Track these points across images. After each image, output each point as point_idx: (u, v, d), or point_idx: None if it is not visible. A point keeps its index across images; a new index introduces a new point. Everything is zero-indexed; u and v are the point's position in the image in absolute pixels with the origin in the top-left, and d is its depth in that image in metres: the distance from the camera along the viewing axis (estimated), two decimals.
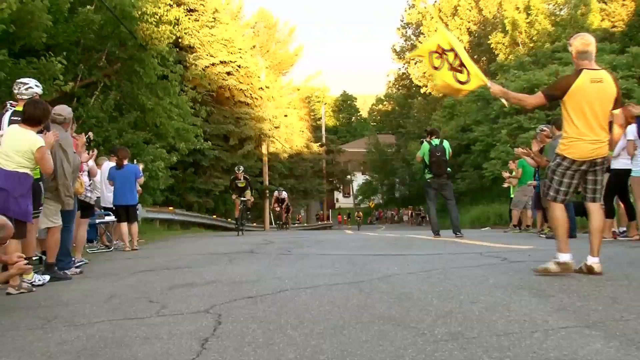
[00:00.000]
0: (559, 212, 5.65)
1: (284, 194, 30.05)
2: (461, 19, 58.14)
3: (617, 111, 5.57)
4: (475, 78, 6.16)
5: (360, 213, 55.39)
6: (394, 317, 4.10)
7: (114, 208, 12.16)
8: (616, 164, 9.64)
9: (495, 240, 11.14)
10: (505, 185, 17.09)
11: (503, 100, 6.05)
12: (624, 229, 10.17)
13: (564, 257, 5.50)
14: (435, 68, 6.45)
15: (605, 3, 46.23)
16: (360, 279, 5.82)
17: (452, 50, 6.29)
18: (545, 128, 12.59)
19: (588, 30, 39.22)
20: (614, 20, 44.42)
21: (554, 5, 46.67)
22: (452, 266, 6.57)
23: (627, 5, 43.63)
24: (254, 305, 4.77)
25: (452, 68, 6.28)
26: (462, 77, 6.24)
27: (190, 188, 32.30)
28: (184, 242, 14.54)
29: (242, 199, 18.99)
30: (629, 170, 9.31)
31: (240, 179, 19.26)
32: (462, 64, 6.21)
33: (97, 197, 12.26)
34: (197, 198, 32.51)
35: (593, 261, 5.49)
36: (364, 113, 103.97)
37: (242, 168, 20.04)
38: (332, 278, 6.01)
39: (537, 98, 5.58)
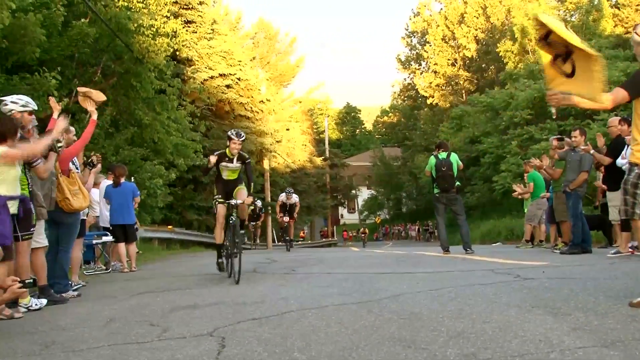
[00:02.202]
0: None
1: (295, 198, 20.73)
2: (468, 26, 58.22)
3: None
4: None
5: (366, 229, 55.16)
6: (405, 338, 3.99)
7: (110, 228, 11.96)
8: None
9: (507, 256, 10.97)
10: (518, 196, 16.81)
11: (553, 110, 5.26)
12: (637, 243, 9.99)
13: None
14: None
15: (618, 8, 46.30)
16: (369, 299, 5.70)
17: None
18: (554, 140, 12.47)
19: (600, 37, 39.26)
20: (627, 26, 44.45)
21: (564, 11, 46.69)
22: (462, 284, 6.41)
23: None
24: (258, 327, 4.66)
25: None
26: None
27: (189, 205, 32.10)
28: (184, 262, 14.40)
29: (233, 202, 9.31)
30: None
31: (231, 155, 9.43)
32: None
33: (96, 217, 12.14)
34: (197, 216, 32.31)
35: None
36: (369, 125, 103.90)
37: (242, 135, 9.39)
38: (339, 298, 5.88)
39: (619, 95, 4.71)
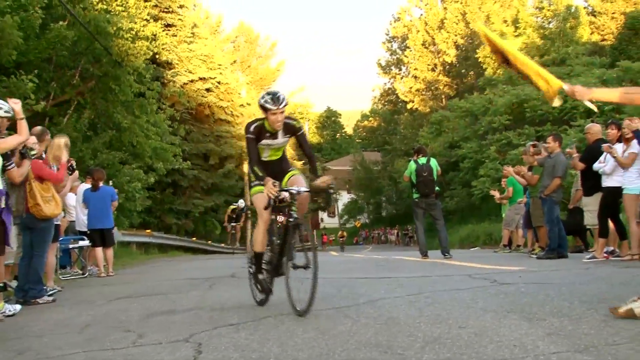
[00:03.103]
0: None
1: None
2: (448, 32, 58.48)
3: None
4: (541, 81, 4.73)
5: (344, 233, 55.10)
6: (381, 344, 3.99)
7: (88, 232, 11.85)
8: (608, 182, 9.57)
9: (485, 261, 11.03)
10: (498, 201, 16.90)
11: (589, 105, 4.53)
12: (612, 248, 10.09)
13: None
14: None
15: (595, 16, 46.80)
16: (347, 304, 5.70)
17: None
18: (530, 145, 12.56)
19: (577, 44, 39.69)
20: (603, 34, 44.96)
21: (542, 18, 47.11)
22: (440, 289, 6.44)
23: (616, 19, 44.17)
24: (235, 333, 4.63)
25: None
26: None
27: (168, 209, 31.99)
28: (162, 267, 14.33)
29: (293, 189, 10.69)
30: (621, 189, 9.23)
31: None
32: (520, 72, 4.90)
33: (72, 222, 12.03)
34: (175, 220, 32.19)
35: None
36: (349, 129, 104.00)
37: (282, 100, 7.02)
38: (317, 303, 5.82)
39: None
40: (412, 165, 12.61)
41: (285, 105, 5.85)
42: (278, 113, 5.77)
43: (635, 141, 8.80)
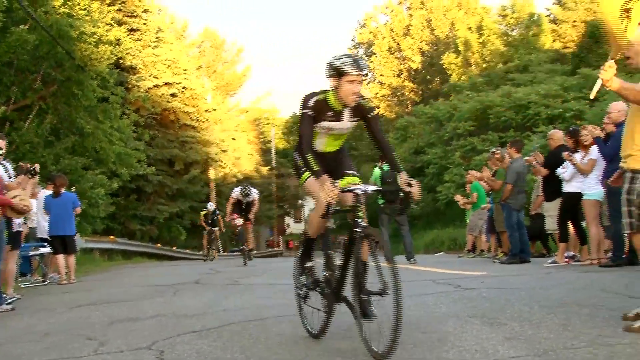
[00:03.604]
0: None
1: (255, 194, 15.66)
2: (413, 38, 58.89)
3: None
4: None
5: None
6: (344, 350, 4.04)
7: (49, 239, 11.65)
8: (568, 188, 9.72)
9: (449, 266, 11.12)
10: (462, 206, 17.00)
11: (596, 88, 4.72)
12: (573, 253, 10.25)
13: None
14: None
15: (557, 24, 47.56)
16: None
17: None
18: (496, 151, 12.68)
19: (540, 51, 40.34)
20: (565, 42, 45.66)
21: (505, 25, 47.75)
22: (404, 294, 6.40)
23: (577, 27, 44.89)
24: (198, 340, 4.62)
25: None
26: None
27: (132, 215, 31.63)
28: (126, 274, 14.15)
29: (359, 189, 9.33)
30: (581, 194, 9.38)
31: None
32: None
33: (32, 228, 11.81)
34: (140, 226, 31.85)
35: None
36: None
37: (364, 65, 5.10)
38: (282, 309, 5.86)
39: None
40: (377, 172, 12.67)
41: (365, 76, 4.44)
42: (356, 82, 4.32)
43: (594, 147, 8.96)
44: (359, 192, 4.29)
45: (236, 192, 15.55)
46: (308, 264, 4.97)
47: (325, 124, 4.51)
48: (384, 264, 4.09)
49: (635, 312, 4.30)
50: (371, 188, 4.42)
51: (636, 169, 4.21)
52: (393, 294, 3.97)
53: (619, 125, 8.59)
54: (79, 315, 6.44)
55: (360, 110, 4.56)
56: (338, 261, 4.54)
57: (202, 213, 21.70)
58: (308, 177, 4.61)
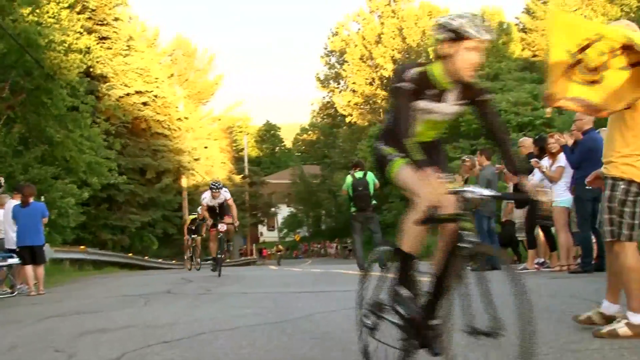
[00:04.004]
0: (637, 257, 4.16)
1: (224, 193, 13.66)
2: (385, 47, 59.26)
3: None
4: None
5: (281, 247, 54.78)
6: (316, 359, 4.03)
7: (17, 249, 11.47)
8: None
9: (421, 273, 11.12)
10: None
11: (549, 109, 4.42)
12: (543, 260, 10.36)
13: (639, 318, 4.07)
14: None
15: (526, 32, 48.18)
16: (283, 319, 5.68)
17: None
18: (466, 159, 12.76)
19: (509, 60, 40.82)
20: (534, 50, 46.30)
21: None
22: None
23: (546, 36, 45.56)
24: (169, 351, 4.56)
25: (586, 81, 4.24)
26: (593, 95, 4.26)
27: (103, 225, 31.33)
28: (97, 284, 13.98)
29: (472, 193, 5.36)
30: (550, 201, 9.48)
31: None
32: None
33: (0, 239, 11.63)
34: (111, 235, 31.56)
35: None
36: (288, 143, 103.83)
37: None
38: (253, 318, 5.84)
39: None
40: (349, 179, 12.68)
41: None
42: (478, 50, 3.32)
43: (562, 155, 9.07)
44: (472, 195, 3.14)
45: (206, 197, 13.84)
46: (404, 293, 3.62)
47: (422, 104, 3.48)
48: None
49: (586, 315, 4.37)
50: (487, 192, 3.21)
51: (617, 176, 4.19)
52: (521, 342, 2.81)
53: (585, 133, 8.73)
54: (47, 327, 6.33)
55: (471, 91, 3.54)
56: (422, 285, 3.53)
57: (191, 217, 20.30)
58: (403, 166, 3.62)
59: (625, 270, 4.11)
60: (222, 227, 13.22)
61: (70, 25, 20.30)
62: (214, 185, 13.82)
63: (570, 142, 8.50)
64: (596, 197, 8.74)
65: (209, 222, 13.86)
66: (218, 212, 13.78)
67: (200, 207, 17.22)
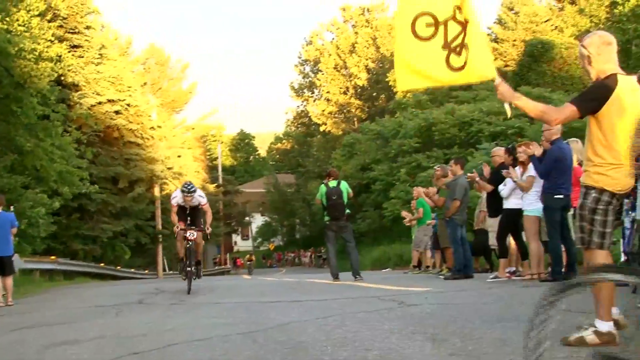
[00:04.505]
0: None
1: (199, 197, 11.80)
2: (359, 56, 59.59)
3: None
4: (478, 69, 4.66)
5: (252, 256, 54.43)
6: None
7: None
8: (507, 204, 9.91)
9: (394, 282, 11.19)
10: (407, 223, 17.14)
11: (507, 107, 4.60)
12: (514, 268, 10.46)
13: (607, 326, 4.13)
14: (419, 37, 4.64)
15: (497, 43, 48.70)
16: (255, 329, 5.65)
17: (460, 22, 4.57)
18: (437, 168, 12.86)
19: None
20: (506, 60, 46.77)
21: None
22: (349, 312, 6.49)
23: (517, 46, 46.05)
24: None
25: (446, 45, 4.62)
26: (458, 61, 4.65)
27: (74, 235, 30.90)
28: (68, 294, 13.81)
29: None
30: (521, 210, 9.58)
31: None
32: (463, 45, 4.61)
33: None
34: (82, 245, 31.12)
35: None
36: (263, 152, 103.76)
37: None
38: (226, 328, 5.81)
39: (567, 111, 4.25)
40: (323, 189, 12.67)
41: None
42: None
43: (531, 164, 9.18)
44: None
45: (176, 196, 11.70)
46: None
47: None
48: None
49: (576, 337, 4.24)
50: None
51: (589, 185, 4.26)
52: None
53: (553, 142, 8.86)
54: (14, 339, 6.23)
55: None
56: None
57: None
58: None
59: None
60: (191, 235, 11.01)
61: (40, 33, 20.11)
62: (185, 188, 11.47)
63: (538, 152, 8.60)
64: (564, 206, 8.90)
65: (177, 227, 11.34)
66: (189, 216, 11.59)
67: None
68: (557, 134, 8.65)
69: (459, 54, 4.64)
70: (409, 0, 4.78)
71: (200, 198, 11.66)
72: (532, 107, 4.41)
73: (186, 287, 10.77)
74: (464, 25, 4.59)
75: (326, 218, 12.69)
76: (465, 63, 4.63)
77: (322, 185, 12.84)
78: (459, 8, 4.60)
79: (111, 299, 10.54)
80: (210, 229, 11.78)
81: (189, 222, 11.44)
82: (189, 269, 10.88)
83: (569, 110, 4.21)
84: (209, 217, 11.91)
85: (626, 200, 6.68)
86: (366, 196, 41.21)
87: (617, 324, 4.23)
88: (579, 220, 4.28)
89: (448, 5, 4.61)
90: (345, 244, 13.01)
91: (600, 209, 4.21)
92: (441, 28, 4.64)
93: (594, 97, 4.22)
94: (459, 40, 4.62)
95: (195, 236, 11.07)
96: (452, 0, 4.61)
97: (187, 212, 11.62)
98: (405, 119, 36.98)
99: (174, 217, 11.59)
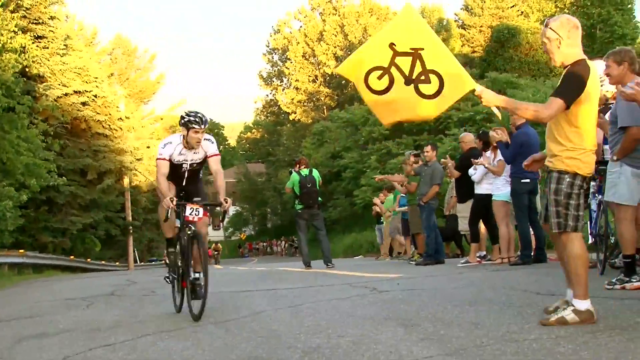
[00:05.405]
0: (583, 246, 4.36)
1: (209, 147, 6.57)
2: (327, 44, 59.48)
3: None
4: (455, 86, 4.69)
5: (219, 245, 53.97)
6: (261, 357, 4.01)
7: None
8: (479, 190, 10.00)
9: (366, 269, 11.26)
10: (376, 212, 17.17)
11: (495, 111, 4.62)
12: (484, 253, 10.58)
13: (585, 305, 4.22)
14: (378, 92, 4.77)
15: (465, 29, 49.03)
16: (228, 318, 5.66)
17: (407, 53, 4.65)
18: (412, 155, 12.89)
19: None
20: (473, 46, 47.13)
21: None
22: (321, 299, 6.51)
23: (484, 32, 46.45)
24: (111, 354, 4.50)
25: (408, 80, 4.68)
26: (430, 88, 4.72)
27: (43, 228, 30.56)
28: (37, 288, 13.63)
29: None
30: (491, 196, 9.67)
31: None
32: (426, 72, 4.67)
33: None
34: (51, 238, 30.80)
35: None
36: (232, 141, 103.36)
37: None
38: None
39: (555, 105, 4.24)
40: (295, 177, 12.61)
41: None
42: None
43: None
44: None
45: (172, 142, 6.53)
46: None
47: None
48: None
49: (555, 306, 4.46)
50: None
51: (562, 170, 4.31)
52: None
53: (519, 127, 8.97)
54: None
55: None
56: None
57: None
58: None
59: (572, 259, 4.29)
60: (192, 214, 6.20)
61: (4, 24, 19.71)
62: (193, 116, 6.45)
63: (505, 137, 8.70)
64: (531, 190, 9.04)
65: (166, 201, 6.05)
66: (186, 182, 6.75)
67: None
68: (523, 119, 8.77)
69: (427, 81, 4.70)
70: (353, 70, 4.95)
71: (209, 145, 6.66)
72: (522, 108, 4.48)
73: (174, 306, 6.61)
74: (414, 53, 4.66)
75: (298, 206, 12.66)
76: (440, 86, 4.69)
77: (294, 173, 12.78)
78: (394, 44, 4.67)
79: (82, 292, 10.44)
80: (228, 201, 6.21)
81: (182, 194, 6.69)
82: (191, 277, 6.19)
83: (557, 104, 4.22)
84: (221, 181, 6.62)
85: (593, 184, 6.81)
86: (337, 184, 41.33)
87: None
88: (554, 205, 4.33)
89: (384, 49, 4.70)
90: (317, 232, 13.03)
91: (575, 193, 4.30)
92: (393, 70, 4.71)
93: (577, 86, 4.25)
94: (418, 69, 4.68)
95: (200, 216, 6.23)
96: (384, 42, 4.73)
97: (185, 174, 6.64)
98: None
99: (163, 184, 6.37)
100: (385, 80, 4.73)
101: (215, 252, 48.73)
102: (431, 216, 11.40)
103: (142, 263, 39.00)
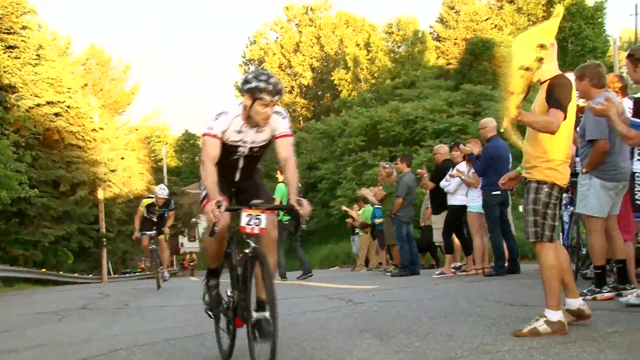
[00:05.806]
0: (557, 256, 4.42)
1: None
2: (303, 55, 59.63)
3: None
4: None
5: (194, 256, 53.47)
6: None
7: None
8: (453, 201, 10.06)
9: (342, 281, 11.22)
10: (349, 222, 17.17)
11: (506, 121, 4.35)
12: (459, 264, 10.63)
13: (557, 315, 4.27)
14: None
15: (440, 41, 49.46)
16: (202, 332, 5.61)
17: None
18: (385, 165, 12.88)
19: (425, 67, 41.90)
20: (448, 58, 47.58)
21: (392, 42, 49.17)
22: (297, 311, 6.48)
23: (459, 44, 46.91)
24: None
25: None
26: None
27: (14, 240, 30.09)
28: (8, 301, 13.44)
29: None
30: (465, 207, 9.73)
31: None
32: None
33: None
34: (22, 251, 30.32)
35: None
36: None
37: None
38: (172, 332, 5.74)
39: (560, 117, 4.25)
40: (283, 187, 12.20)
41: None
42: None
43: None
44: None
45: (226, 115, 4.87)
46: None
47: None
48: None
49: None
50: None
51: (540, 180, 4.36)
52: None
53: (489, 140, 9.05)
54: None
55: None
56: None
57: (145, 203, 13.37)
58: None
59: (545, 269, 4.34)
60: (251, 223, 4.63)
61: None
62: (264, 84, 4.75)
63: (476, 150, 8.74)
64: (502, 202, 9.12)
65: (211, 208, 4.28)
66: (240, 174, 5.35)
67: (160, 186, 13.95)
68: (493, 132, 8.87)
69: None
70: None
71: (279, 120, 5.23)
72: (539, 121, 4.35)
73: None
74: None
75: (286, 218, 12.24)
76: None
77: (281, 184, 12.45)
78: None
79: (53, 305, 10.28)
80: (304, 203, 4.12)
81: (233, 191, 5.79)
82: (254, 318, 4.82)
83: (560, 115, 4.22)
84: (293, 173, 5.13)
85: (565, 195, 6.88)
86: (313, 195, 41.29)
87: (581, 313, 4.46)
88: (532, 215, 4.37)
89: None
90: (293, 243, 12.97)
91: (552, 203, 4.36)
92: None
93: (568, 97, 4.32)
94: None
95: (262, 226, 4.61)
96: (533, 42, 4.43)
97: (239, 162, 4.98)
98: (351, 117, 37.26)
99: (210, 175, 4.48)
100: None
101: (191, 263, 48.29)
102: (401, 227, 11.40)
103: (116, 275, 38.55)
